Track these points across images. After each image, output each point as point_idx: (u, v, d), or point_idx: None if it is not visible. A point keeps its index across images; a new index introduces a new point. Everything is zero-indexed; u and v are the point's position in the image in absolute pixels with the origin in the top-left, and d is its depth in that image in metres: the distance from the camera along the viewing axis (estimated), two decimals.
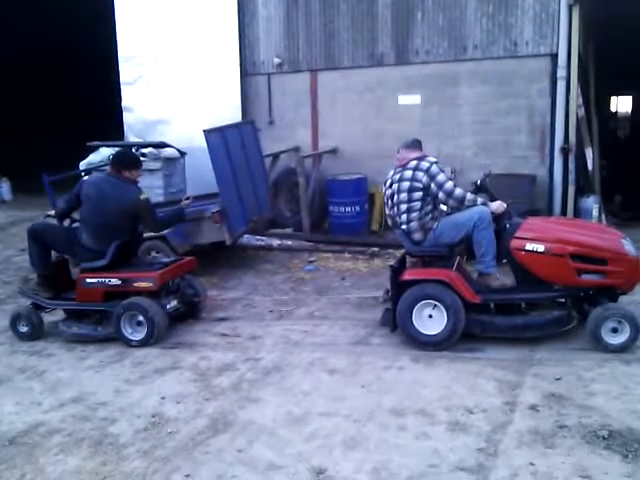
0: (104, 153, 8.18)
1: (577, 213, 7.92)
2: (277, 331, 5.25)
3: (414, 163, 4.83)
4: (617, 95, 15.99)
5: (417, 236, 4.85)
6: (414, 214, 4.81)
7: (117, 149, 8.08)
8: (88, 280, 5.13)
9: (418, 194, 4.78)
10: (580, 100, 8.00)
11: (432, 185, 4.72)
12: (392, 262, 5.17)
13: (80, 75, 16.22)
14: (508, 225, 4.75)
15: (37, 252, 5.30)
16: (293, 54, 9.32)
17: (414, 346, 4.69)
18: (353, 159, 9.03)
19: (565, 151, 7.93)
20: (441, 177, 4.73)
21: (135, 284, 5.06)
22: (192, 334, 5.28)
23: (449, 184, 4.72)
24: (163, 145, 8.29)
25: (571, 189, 7.91)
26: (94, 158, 8.23)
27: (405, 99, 8.82)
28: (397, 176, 4.91)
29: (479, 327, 4.67)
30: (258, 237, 8.31)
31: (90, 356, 4.89)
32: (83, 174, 7.95)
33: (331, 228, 8.73)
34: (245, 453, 3.41)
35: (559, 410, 3.66)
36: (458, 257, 5.01)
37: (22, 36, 14.75)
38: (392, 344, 4.84)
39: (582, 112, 8.09)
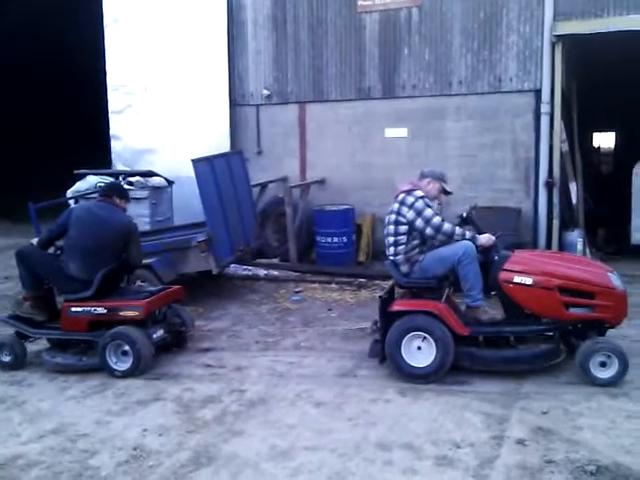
0: (91, 181, 8.16)
1: (562, 246, 8.00)
2: (263, 362, 5.19)
3: (401, 196, 4.86)
4: (600, 131, 16.30)
5: (404, 268, 4.86)
6: (400, 247, 4.83)
7: (104, 178, 8.10)
8: (73, 309, 5.06)
9: (404, 228, 4.80)
10: (564, 135, 8.16)
11: (419, 220, 4.72)
12: (380, 293, 5.16)
13: (69, 102, 16.28)
14: (496, 257, 4.77)
15: (27, 274, 5.24)
16: (282, 86, 9.44)
17: (402, 378, 4.65)
18: (340, 190, 9.09)
19: (549, 185, 8.05)
20: (427, 212, 4.72)
21: (121, 313, 4.99)
22: (176, 365, 5.21)
23: (436, 219, 4.71)
24: (150, 174, 8.32)
25: (555, 222, 8.01)
26: (81, 186, 8.20)
27: (392, 132, 8.94)
28: (390, 207, 4.95)
29: (468, 360, 4.65)
30: (245, 267, 8.29)
31: (72, 387, 4.79)
32: (70, 201, 7.92)
33: (318, 258, 8.73)
34: None
35: (546, 445, 3.63)
36: (447, 289, 5.02)
37: (9, 60, 14.77)
38: (379, 376, 4.80)
39: (566, 147, 8.24)
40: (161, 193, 8.39)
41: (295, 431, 3.94)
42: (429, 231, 4.72)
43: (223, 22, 9.44)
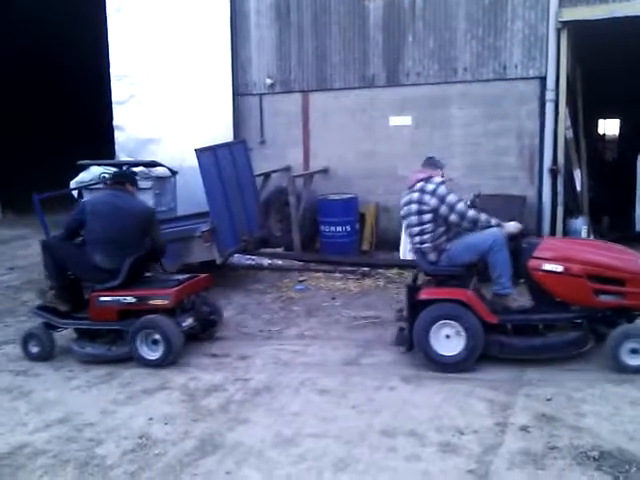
0: (95, 172, 8.15)
1: (566, 234, 7.97)
2: (267, 351, 5.21)
3: (420, 185, 4.78)
4: (605, 118, 16.21)
5: (431, 257, 4.79)
6: (427, 236, 4.75)
7: (108, 169, 8.10)
8: (102, 298, 5.00)
9: (428, 216, 4.72)
10: (568, 122, 8.11)
11: (442, 207, 4.65)
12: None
13: (71, 93, 16.26)
14: (525, 245, 4.71)
15: (52, 264, 5.19)
16: (285, 75, 9.40)
17: (431, 367, 4.59)
18: (344, 179, 9.08)
19: (554, 172, 8.01)
20: (451, 198, 4.66)
21: (150, 302, 4.94)
22: (181, 354, 5.22)
23: (460, 205, 4.65)
24: (154, 164, 8.31)
25: (560, 210, 7.98)
26: (85, 176, 8.19)
27: (396, 120, 8.90)
28: (407, 198, 4.86)
29: (497, 348, 4.59)
30: (248, 256, 8.29)
31: (77, 376, 4.82)
32: (74, 192, 7.94)
33: (322, 247, 8.73)
34: (233, 475, 3.36)
35: (550, 431, 3.64)
36: (474, 277, 4.93)
37: (11, 52, 14.75)
38: (383, 364, 4.81)
39: (570, 134, 8.19)
40: (165, 183, 8.38)
41: (300, 419, 3.95)
42: (453, 217, 4.65)
43: (226, 11, 9.39)
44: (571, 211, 8.29)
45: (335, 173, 9.20)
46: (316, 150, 9.35)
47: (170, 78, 9.72)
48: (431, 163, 4.98)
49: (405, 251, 8.17)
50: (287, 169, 9.12)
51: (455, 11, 8.37)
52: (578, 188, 8.39)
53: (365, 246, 8.77)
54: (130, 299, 4.97)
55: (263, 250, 8.50)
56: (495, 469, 3.29)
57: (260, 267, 8.15)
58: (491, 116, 8.36)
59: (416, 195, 4.76)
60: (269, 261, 8.25)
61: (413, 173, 4.97)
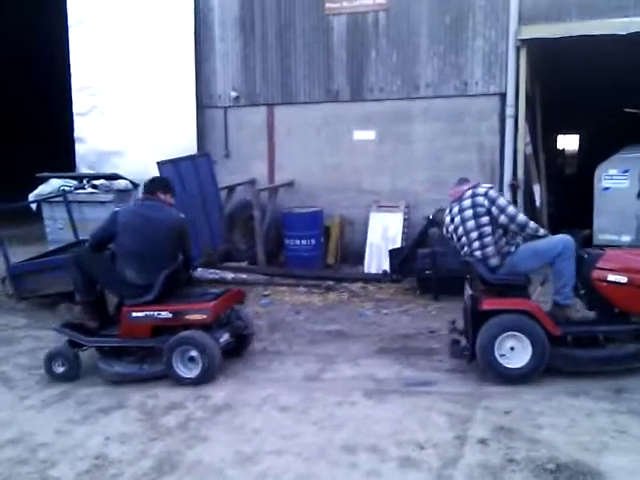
0: (54, 184, 8.02)
1: None
2: (229, 367, 5.13)
3: (470, 192, 4.79)
4: (564, 134, 16.60)
5: (494, 261, 4.69)
6: (487, 239, 4.68)
7: (68, 181, 7.97)
8: (135, 314, 4.75)
9: (485, 219, 4.68)
10: (528, 138, 8.28)
11: (493, 208, 4.65)
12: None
13: (31, 104, 15.96)
14: (586, 255, 4.69)
15: (81, 279, 4.94)
16: (250, 88, 9.40)
17: (496, 380, 4.50)
18: (309, 192, 9.09)
19: (513, 187, 8.15)
20: (502, 201, 4.70)
21: (187, 317, 4.74)
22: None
23: (511, 208, 4.68)
24: (115, 177, 8.22)
25: None
26: (44, 189, 8.05)
27: (360, 134, 8.97)
28: (456, 209, 4.84)
29: (560, 360, 4.52)
30: (212, 270, 8.20)
31: (31, 395, 4.68)
32: (32, 205, 7.79)
33: (286, 261, 8.70)
34: None
35: (508, 444, 3.67)
36: (539, 287, 4.89)
37: None
38: (344, 379, 4.80)
39: (530, 149, 8.37)
40: (126, 196, 8.27)
41: (260, 436, 3.91)
42: (503, 219, 4.63)
43: (190, 23, 9.37)
44: None
45: (300, 186, 9.21)
46: (281, 163, 9.35)
47: (133, 89, 9.62)
48: (465, 181, 4.99)
49: (370, 264, 8.24)
50: (252, 182, 9.08)
51: (418, 28, 8.51)
52: (538, 203, 8.56)
53: (330, 260, 8.77)
54: (165, 314, 4.74)
55: (227, 264, 8.43)
56: None
57: (224, 281, 8.06)
58: (453, 131, 8.49)
59: (468, 202, 4.75)
60: (233, 275, 8.17)
61: (454, 189, 4.96)
